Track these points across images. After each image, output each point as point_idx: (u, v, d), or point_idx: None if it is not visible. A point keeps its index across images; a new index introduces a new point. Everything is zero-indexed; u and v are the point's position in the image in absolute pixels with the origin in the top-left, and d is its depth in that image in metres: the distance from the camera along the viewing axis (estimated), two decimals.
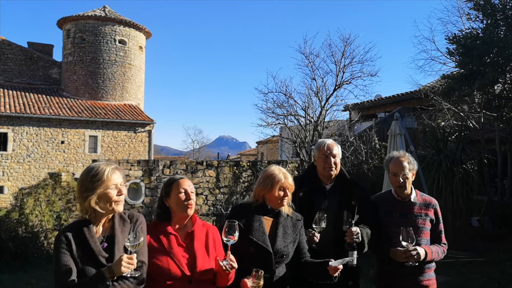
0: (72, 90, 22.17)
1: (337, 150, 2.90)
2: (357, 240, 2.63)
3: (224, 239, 2.17)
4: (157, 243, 2.18)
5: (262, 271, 2.17)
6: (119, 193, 2.05)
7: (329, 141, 2.95)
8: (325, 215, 2.60)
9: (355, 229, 2.64)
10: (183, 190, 2.25)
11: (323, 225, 2.59)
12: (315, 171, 2.96)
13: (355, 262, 2.62)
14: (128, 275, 1.92)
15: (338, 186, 2.89)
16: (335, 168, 2.87)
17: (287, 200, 2.53)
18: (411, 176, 2.86)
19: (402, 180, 2.82)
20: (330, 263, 2.34)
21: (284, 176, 2.53)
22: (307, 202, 2.78)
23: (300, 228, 2.57)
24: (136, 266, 1.93)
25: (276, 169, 2.56)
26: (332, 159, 2.85)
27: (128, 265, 1.88)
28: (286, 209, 2.55)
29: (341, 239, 2.65)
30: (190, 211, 2.27)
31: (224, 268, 2.10)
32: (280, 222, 2.51)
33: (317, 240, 2.61)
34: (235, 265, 2.13)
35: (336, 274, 2.35)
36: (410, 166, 2.85)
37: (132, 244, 1.95)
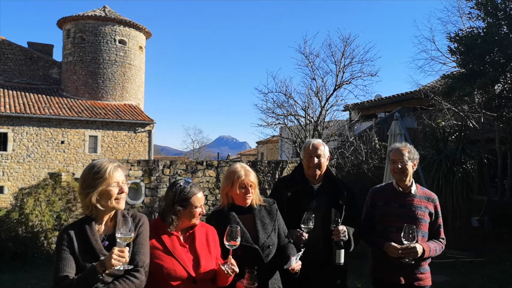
0: (72, 90, 22.16)
1: (322, 150, 2.91)
2: (344, 238, 2.66)
3: (226, 243, 2.19)
4: (159, 243, 2.17)
5: (255, 272, 2.18)
6: (121, 190, 2.04)
7: (315, 141, 2.96)
8: (313, 215, 2.62)
9: (341, 228, 2.67)
10: (199, 205, 2.27)
11: (311, 225, 2.61)
12: (303, 171, 2.98)
13: (342, 260, 2.66)
14: (121, 268, 1.91)
15: (326, 186, 2.91)
16: (319, 168, 2.88)
17: (251, 197, 2.51)
18: (411, 166, 2.89)
19: (400, 166, 2.85)
20: (284, 266, 2.39)
21: (246, 173, 2.51)
22: (295, 202, 2.79)
23: (276, 214, 2.59)
24: (128, 260, 1.91)
25: (239, 166, 2.55)
26: (316, 159, 2.86)
27: (119, 258, 1.85)
28: (256, 200, 2.55)
29: (330, 238, 2.68)
30: (198, 221, 2.30)
31: (225, 272, 2.12)
32: (256, 215, 2.52)
33: (305, 240, 2.62)
34: (237, 269, 2.15)
35: (296, 271, 2.39)
36: (410, 156, 2.90)
37: (123, 237, 1.92)
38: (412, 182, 2.93)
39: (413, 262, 2.67)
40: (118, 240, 1.93)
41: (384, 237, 2.79)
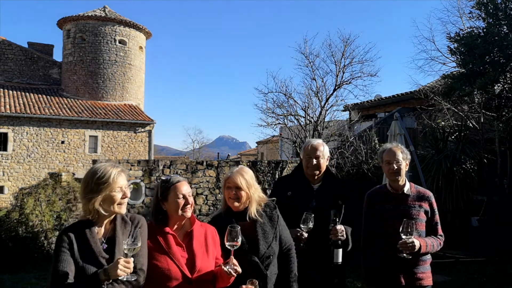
0: (72, 90, 22.17)
1: (321, 150, 2.92)
2: (342, 238, 2.66)
3: (227, 244, 2.14)
4: (155, 243, 2.15)
5: (256, 281, 2.16)
6: (124, 196, 2.04)
7: (315, 142, 2.97)
8: (313, 215, 2.63)
9: (339, 227, 2.68)
10: (181, 196, 2.18)
11: (311, 225, 2.62)
12: (303, 171, 2.99)
13: (340, 260, 2.67)
14: (124, 279, 1.91)
15: (325, 186, 2.92)
16: (318, 169, 2.89)
17: (238, 201, 2.37)
18: (404, 166, 2.88)
19: (396, 167, 2.83)
20: None
21: (235, 174, 2.40)
22: (296, 202, 2.80)
23: (277, 220, 2.48)
24: (132, 270, 1.92)
25: (236, 168, 2.46)
26: (314, 161, 2.87)
27: (124, 268, 1.86)
28: (255, 206, 2.41)
29: (328, 238, 2.68)
30: (188, 214, 2.22)
31: (228, 273, 2.07)
32: (257, 222, 2.41)
33: (305, 239, 2.63)
34: (239, 269, 2.10)
35: None
36: (404, 156, 2.88)
37: (129, 248, 1.93)
38: (405, 181, 2.92)
39: (410, 257, 2.64)
40: (125, 251, 1.94)
41: (382, 240, 2.80)
